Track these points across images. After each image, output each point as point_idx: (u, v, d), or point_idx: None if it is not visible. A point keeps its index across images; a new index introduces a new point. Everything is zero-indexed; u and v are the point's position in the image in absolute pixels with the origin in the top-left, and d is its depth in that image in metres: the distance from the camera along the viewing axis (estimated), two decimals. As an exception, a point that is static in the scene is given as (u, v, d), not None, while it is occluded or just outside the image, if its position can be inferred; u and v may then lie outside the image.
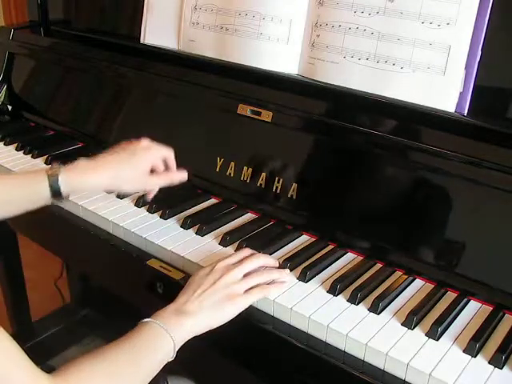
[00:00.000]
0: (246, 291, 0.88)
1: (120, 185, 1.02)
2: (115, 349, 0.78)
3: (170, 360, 0.82)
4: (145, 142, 1.05)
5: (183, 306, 0.84)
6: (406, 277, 0.96)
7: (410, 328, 0.85)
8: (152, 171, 1.05)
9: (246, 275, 0.90)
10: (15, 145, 1.44)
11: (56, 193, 0.96)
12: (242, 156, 1.16)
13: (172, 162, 1.07)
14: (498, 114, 0.97)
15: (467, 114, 0.97)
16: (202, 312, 0.84)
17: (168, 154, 1.06)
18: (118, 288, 1.22)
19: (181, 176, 1.07)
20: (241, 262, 0.92)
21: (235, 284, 0.88)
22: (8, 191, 0.97)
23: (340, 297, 0.91)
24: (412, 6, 0.99)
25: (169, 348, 0.81)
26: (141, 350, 0.79)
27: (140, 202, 1.16)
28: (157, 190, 1.08)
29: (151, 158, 1.03)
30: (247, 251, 0.95)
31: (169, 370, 0.86)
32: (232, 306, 0.86)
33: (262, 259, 0.94)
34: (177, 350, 0.82)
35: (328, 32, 1.10)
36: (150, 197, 1.10)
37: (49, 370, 0.69)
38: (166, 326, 0.81)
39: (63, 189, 0.96)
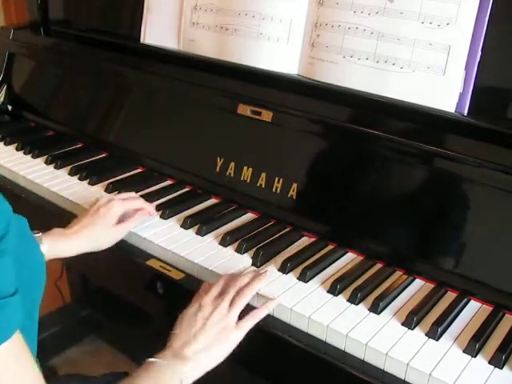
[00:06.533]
0: (239, 318, 0.87)
1: (98, 244, 1.03)
2: None
3: None
4: (103, 199, 1.07)
5: (180, 351, 0.82)
6: (406, 277, 0.96)
7: (410, 328, 0.85)
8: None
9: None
10: (15, 145, 1.44)
11: None
12: (242, 156, 1.16)
13: (140, 207, 1.09)
14: (498, 113, 0.97)
15: (467, 114, 0.97)
16: (198, 356, 0.82)
17: (130, 205, 1.08)
18: (118, 288, 1.22)
19: (149, 212, 1.10)
20: (227, 284, 0.90)
21: (226, 317, 0.86)
22: None
23: (340, 297, 0.91)
24: (412, 6, 0.99)
25: None
26: None
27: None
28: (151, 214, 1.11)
29: (114, 211, 1.05)
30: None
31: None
32: (227, 343, 0.85)
33: (246, 278, 0.92)
34: None
35: (328, 32, 1.10)
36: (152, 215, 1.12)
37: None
38: (173, 368, 0.80)
39: (46, 254, 0.95)
